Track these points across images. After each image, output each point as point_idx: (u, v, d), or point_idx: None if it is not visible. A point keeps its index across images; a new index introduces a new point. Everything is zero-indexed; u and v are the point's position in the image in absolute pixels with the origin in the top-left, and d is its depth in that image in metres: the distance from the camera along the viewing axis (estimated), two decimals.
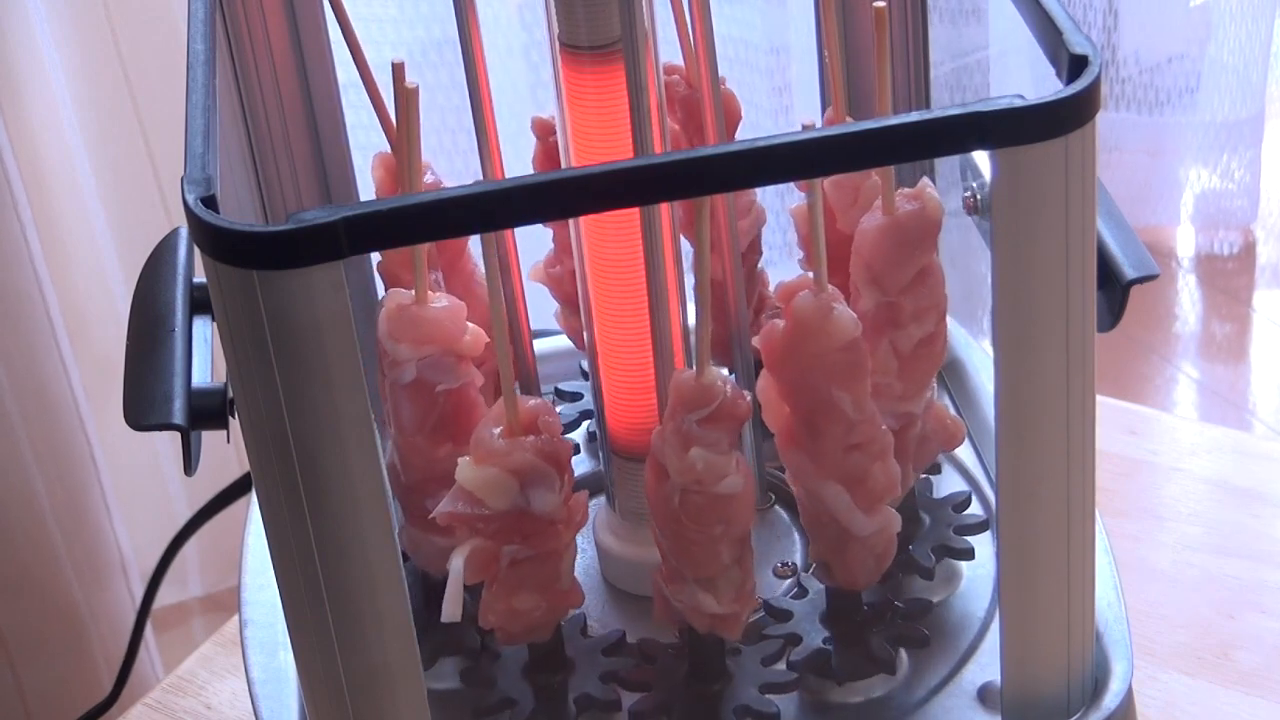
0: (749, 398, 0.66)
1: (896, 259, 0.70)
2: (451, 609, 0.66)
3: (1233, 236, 2.01)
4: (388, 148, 0.76)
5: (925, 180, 0.70)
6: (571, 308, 0.82)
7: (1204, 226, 2.00)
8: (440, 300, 0.69)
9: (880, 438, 0.69)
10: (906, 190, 0.70)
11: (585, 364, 0.85)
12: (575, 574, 0.70)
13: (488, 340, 0.69)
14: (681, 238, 0.72)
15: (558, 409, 0.87)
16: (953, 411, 0.85)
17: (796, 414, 0.68)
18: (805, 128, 0.58)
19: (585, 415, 0.86)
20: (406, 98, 0.65)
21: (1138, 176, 1.93)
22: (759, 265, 0.82)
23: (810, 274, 0.67)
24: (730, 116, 0.77)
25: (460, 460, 0.67)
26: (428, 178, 0.75)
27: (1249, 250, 2.02)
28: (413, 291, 0.69)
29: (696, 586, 0.68)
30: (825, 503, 0.69)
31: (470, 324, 0.69)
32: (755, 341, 0.69)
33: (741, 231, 0.78)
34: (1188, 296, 1.99)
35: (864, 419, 0.68)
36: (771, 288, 0.80)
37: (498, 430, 0.67)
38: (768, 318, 0.77)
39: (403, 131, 0.66)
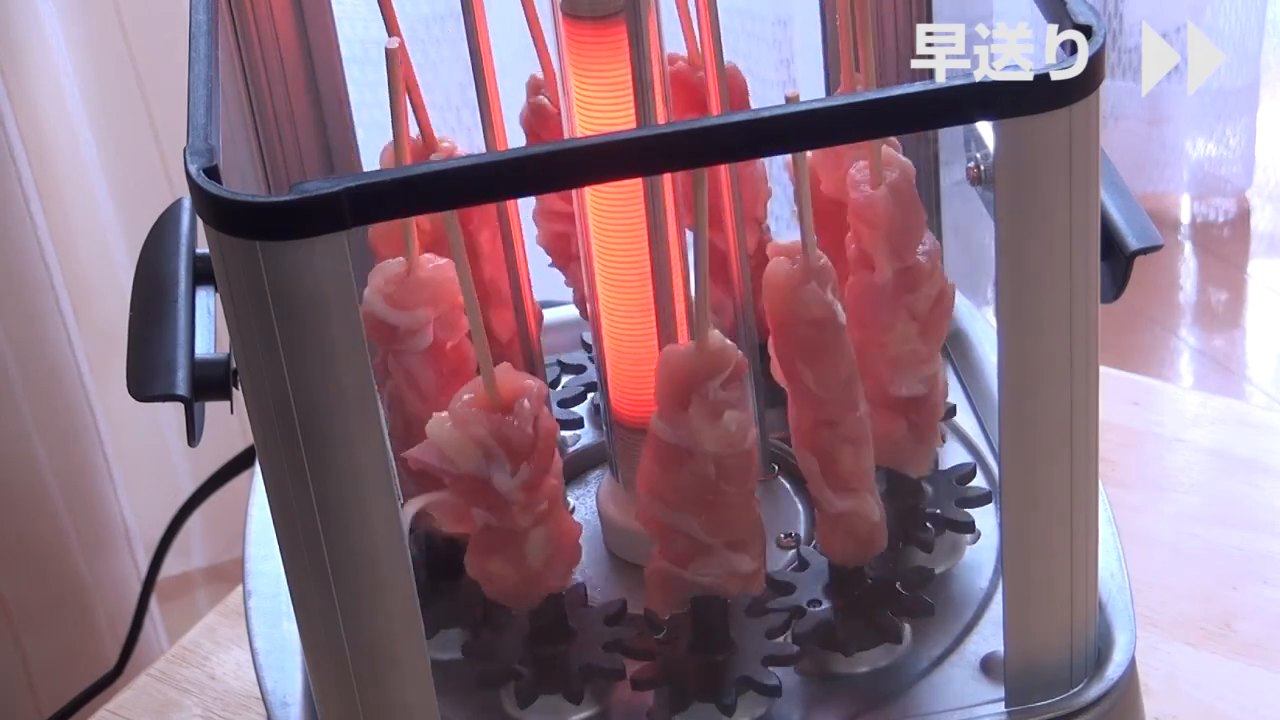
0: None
1: (906, 224, 0.70)
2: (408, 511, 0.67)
3: (1228, 204, 2.01)
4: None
5: (882, 147, 0.71)
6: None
7: (1199, 194, 2.00)
8: (432, 261, 0.69)
9: (855, 424, 0.68)
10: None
11: (587, 336, 0.85)
12: (579, 554, 0.71)
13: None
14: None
15: (562, 381, 0.87)
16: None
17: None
18: (789, 99, 0.58)
19: (590, 388, 0.86)
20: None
21: (1135, 144, 1.93)
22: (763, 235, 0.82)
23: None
24: (736, 93, 0.77)
25: (437, 415, 0.66)
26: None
27: (1244, 217, 2.02)
28: (396, 261, 0.69)
29: (729, 550, 0.68)
30: (802, 469, 0.69)
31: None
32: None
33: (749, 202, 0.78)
34: (1184, 264, 1.99)
35: (832, 399, 0.68)
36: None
37: (468, 396, 0.66)
38: None
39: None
